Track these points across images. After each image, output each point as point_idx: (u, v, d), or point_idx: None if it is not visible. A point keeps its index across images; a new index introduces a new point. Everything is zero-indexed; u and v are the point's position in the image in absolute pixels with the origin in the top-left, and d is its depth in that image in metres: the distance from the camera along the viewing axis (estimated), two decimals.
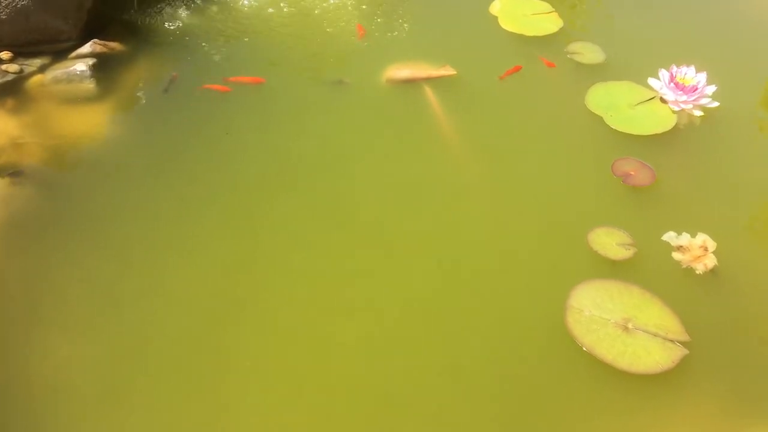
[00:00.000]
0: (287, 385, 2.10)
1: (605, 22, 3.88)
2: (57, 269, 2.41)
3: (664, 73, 3.10)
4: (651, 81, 3.17)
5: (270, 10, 3.69)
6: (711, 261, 2.39)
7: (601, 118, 3.05)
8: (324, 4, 3.74)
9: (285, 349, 2.19)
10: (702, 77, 3.03)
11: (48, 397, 2.05)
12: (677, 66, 3.07)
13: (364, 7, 3.75)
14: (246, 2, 3.71)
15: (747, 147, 2.99)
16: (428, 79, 3.24)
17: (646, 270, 2.38)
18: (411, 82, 3.23)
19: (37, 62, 3.23)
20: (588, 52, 3.42)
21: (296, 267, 2.45)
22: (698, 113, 3.04)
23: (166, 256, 2.47)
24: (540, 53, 3.41)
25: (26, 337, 2.20)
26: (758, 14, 3.86)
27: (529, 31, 3.58)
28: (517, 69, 3.30)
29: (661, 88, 3.12)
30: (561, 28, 3.60)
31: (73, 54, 3.28)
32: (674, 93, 3.05)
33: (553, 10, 3.73)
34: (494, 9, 3.75)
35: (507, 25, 3.62)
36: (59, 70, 3.18)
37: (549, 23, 3.63)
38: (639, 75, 3.25)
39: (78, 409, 2.03)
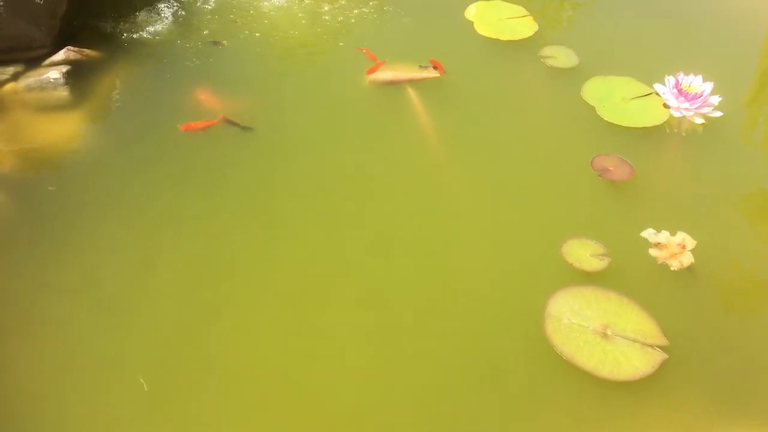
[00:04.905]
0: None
1: (580, 25, 3.89)
2: (28, 275, 2.40)
3: (669, 79, 3.10)
4: (656, 86, 3.17)
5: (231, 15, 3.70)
6: (688, 259, 2.41)
7: (594, 108, 3.10)
8: (300, 13, 3.75)
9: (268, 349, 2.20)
10: (708, 87, 3.02)
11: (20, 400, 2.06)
12: (685, 74, 3.07)
13: (341, 17, 3.74)
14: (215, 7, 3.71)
15: (734, 150, 3.01)
16: (411, 81, 3.24)
17: (621, 275, 2.38)
18: (394, 84, 3.24)
19: (10, 70, 3.18)
20: (562, 56, 3.42)
21: (275, 259, 2.48)
22: (699, 121, 3.03)
23: (139, 263, 2.45)
24: (514, 57, 3.44)
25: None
26: (729, 9, 3.90)
27: (505, 36, 3.58)
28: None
29: (664, 93, 3.13)
30: (536, 32, 3.60)
31: (47, 61, 3.23)
32: (677, 99, 3.05)
33: (528, 13, 3.73)
34: (469, 14, 3.75)
35: (482, 30, 3.62)
36: (32, 77, 3.13)
37: (524, 27, 3.63)
38: None
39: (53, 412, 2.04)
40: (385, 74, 3.27)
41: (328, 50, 3.52)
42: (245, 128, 2.97)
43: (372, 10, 3.78)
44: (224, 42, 3.36)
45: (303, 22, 3.67)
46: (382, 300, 2.35)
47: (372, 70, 3.26)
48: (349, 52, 3.48)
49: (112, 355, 2.18)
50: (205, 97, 3.15)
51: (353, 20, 3.70)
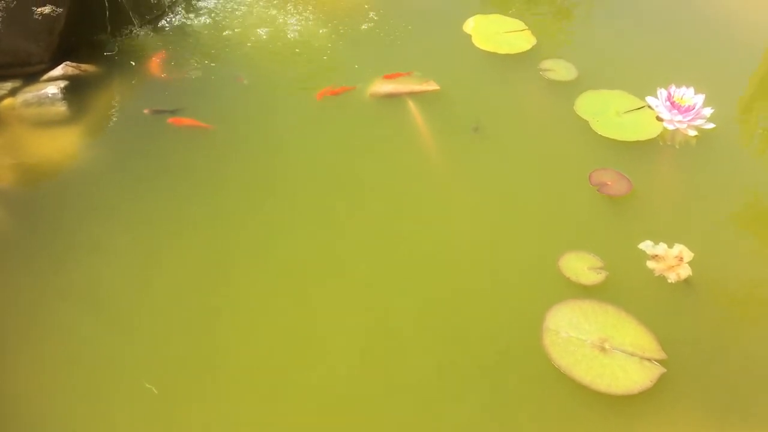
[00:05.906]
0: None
1: (578, 38, 3.92)
2: (29, 282, 2.42)
3: (662, 92, 3.12)
4: (649, 99, 3.18)
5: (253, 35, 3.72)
6: (685, 271, 2.41)
7: (588, 122, 3.11)
8: (298, 28, 3.77)
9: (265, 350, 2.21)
10: (699, 99, 3.04)
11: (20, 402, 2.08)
12: (676, 86, 3.09)
13: (341, 30, 3.76)
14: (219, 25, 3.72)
15: (727, 162, 3.02)
16: (411, 94, 3.26)
17: (619, 288, 2.39)
18: (394, 97, 3.26)
19: (8, 85, 3.19)
20: (561, 69, 3.44)
21: (275, 262, 2.52)
22: (693, 133, 3.05)
23: (138, 270, 2.48)
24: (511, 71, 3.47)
25: None
26: (720, 21, 3.93)
27: (503, 49, 3.60)
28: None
29: (657, 106, 3.14)
30: (534, 46, 3.62)
31: (45, 77, 3.24)
32: (669, 112, 3.06)
33: (526, 27, 3.75)
34: (468, 28, 3.77)
35: (481, 43, 3.65)
36: (30, 93, 3.14)
37: (522, 41, 3.66)
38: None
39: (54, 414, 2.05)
40: (385, 87, 3.29)
41: (326, 62, 3.53)
42: (174, 111, 3.09)
43: (371, 24, 3.80)
44: (245, 81, 3.37)
45: (304, 32, 3.69)
46: (382, 306, 2.37)
47: (321, 94, 3.29)
48: (349, 64, 3.50)
49: (112, 357, 2.19)
50: (157, 61, 3.32)
51: (353, 34, 3.73)
